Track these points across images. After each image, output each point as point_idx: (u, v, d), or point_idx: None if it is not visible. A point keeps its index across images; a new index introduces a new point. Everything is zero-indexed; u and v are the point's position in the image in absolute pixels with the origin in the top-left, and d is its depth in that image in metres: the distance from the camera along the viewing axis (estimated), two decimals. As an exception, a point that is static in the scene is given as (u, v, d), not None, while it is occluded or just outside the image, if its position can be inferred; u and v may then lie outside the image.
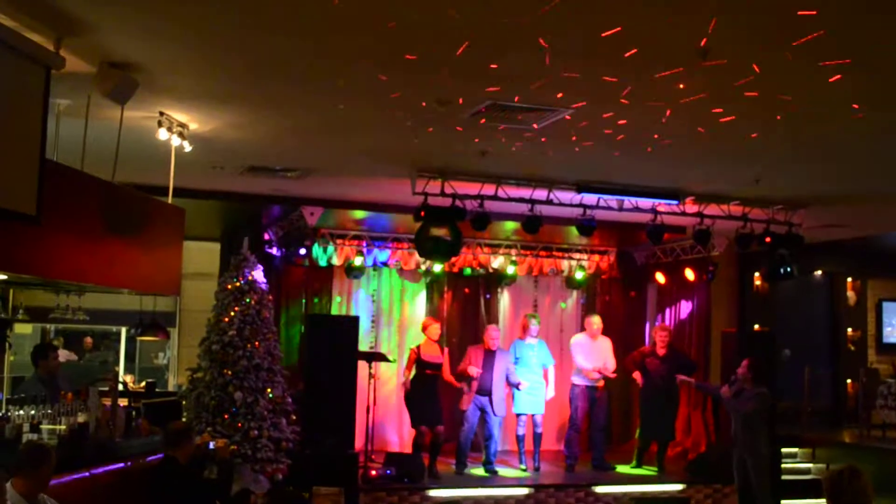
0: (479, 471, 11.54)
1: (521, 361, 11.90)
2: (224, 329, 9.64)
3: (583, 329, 12.90)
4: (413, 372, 11.42)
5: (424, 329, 11.67)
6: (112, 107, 6.75)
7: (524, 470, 11.71)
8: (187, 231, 8.61)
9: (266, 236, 12.34)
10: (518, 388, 11.71)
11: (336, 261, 12.83)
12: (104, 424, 7.01)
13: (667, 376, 12.21)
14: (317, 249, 12.64)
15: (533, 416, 11.92)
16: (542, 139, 7.93)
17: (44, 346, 9.33)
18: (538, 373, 11.97)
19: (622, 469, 12.15)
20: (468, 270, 13.55)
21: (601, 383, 12.18)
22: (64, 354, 14.45)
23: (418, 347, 11.53)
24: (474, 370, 11.35)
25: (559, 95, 6.59)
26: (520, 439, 11.99)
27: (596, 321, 12.55)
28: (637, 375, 12.39)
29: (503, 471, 11.67)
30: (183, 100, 7.09)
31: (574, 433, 12.21)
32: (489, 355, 11.54)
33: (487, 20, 5.12)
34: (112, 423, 7.10)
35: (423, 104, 6.89)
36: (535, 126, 7.45)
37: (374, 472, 10.63)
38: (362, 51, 5.76)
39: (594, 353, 12.28)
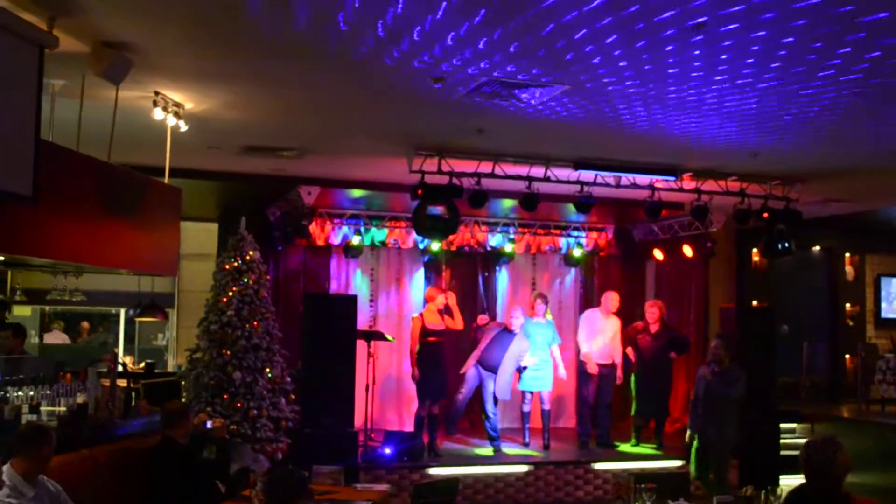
0: (485, 449, 11.55)
1: (528, 339, 11.82)
2: (222, 309, 9.64)
3: (598, 304, 12.78)
4: (418, 345, 11.39)
5: (430, 300, 11.64)
6: (107, 87, 6.73)
7: (526, 445, 11.72)
8: (184, 212, 8.61)
9: (271, 218, 12.26)
10: (522, 372, 11.72)
11: (334, 240, 12.81)
12: (103, 405, 7.03)
13: (658, 353, 12.16)
14: (315, 229, 12.61)
15: (540, 393, 11.92)
16: (539, 116, 7.90)
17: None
18: (545, 350, 11.90)
19: (622, 447, 12.13)
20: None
21: (609, 361, 12.13)
22: (61, 337, 14.49)
23: (421, 316, 11.51)
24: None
25: (555, 71, 6.56)
26: (525, 416, 12.01)
27: (613, 297, 12.38)
28: (630, 351, 12.36)
29: (506, 448, 11.65)
30: (178, 79, 7.06)
31: (586, 409, 12.22)
32: (507, 335, 11.49)
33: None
34: (111, 404, 7.12)
35: (419, 81, 6.86)
36: (531, 102, 7.42)
37: (373, 451, 10.65)
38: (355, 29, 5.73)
39: (599, 331, 12.19)
